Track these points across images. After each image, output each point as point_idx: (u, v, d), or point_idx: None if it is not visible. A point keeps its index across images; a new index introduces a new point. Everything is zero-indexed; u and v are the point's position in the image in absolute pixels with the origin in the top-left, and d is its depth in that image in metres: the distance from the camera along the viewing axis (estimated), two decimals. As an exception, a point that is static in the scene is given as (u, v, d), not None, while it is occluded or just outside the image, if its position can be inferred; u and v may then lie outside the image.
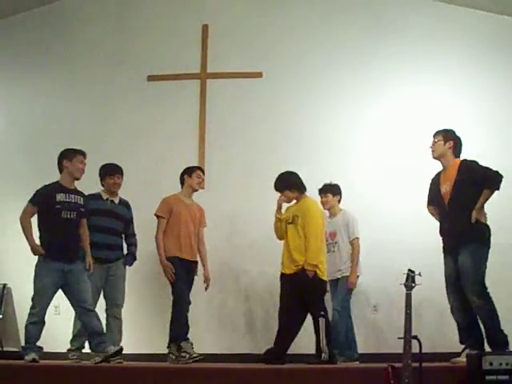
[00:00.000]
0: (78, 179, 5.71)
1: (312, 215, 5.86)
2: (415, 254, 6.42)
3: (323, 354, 5.57)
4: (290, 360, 5.65)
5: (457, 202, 5.26)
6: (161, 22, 7.82)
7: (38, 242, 5.53)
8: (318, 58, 7.56)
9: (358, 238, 6.42)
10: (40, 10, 7.96)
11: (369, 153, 7.31)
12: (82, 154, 5.72)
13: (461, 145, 5.50)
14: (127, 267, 6.27)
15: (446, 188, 5.38)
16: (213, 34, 7.68)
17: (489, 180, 5.15)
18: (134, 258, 6.33)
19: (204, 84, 7.62)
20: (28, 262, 7.35)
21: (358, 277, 6.37)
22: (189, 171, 6.36)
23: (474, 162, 5.31)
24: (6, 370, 5.00)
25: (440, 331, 6.56)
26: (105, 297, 6.16)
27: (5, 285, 7.38)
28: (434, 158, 5.54)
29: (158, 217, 6.18)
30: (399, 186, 7.14)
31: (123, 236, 6.31)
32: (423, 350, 4.26)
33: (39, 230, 5.60)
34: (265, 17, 7.74)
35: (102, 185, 6.33)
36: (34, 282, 5.48)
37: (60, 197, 5.56)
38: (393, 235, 6.91)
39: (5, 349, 7.21)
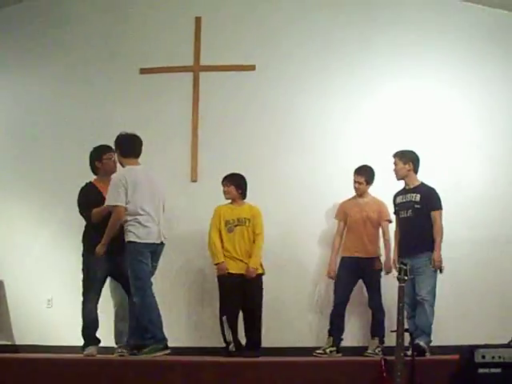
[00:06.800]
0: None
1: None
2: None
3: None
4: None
5: None
6: (153, 15, 7.76)
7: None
8: (310, 51, 7.51)
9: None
10: (31, 2, 7.89)
11: (363, 145, 7.28)
12: None
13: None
14: None
15: None
16: (206, 26, 7.63)
17: None
18: None
19: (197, 77, 7.58)
20: (21, 256, 7.42)
21: None
22: None
23: None
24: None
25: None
26: None
27: (-2, 279, 7.37)
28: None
29: None
30: (394, 179, 7.12)
31: None
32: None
33: None
34: (258, 10, 7.68)
35: None
36: None
37: (399, 199, 6.26)
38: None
39: (-2, 343, 7.22)
